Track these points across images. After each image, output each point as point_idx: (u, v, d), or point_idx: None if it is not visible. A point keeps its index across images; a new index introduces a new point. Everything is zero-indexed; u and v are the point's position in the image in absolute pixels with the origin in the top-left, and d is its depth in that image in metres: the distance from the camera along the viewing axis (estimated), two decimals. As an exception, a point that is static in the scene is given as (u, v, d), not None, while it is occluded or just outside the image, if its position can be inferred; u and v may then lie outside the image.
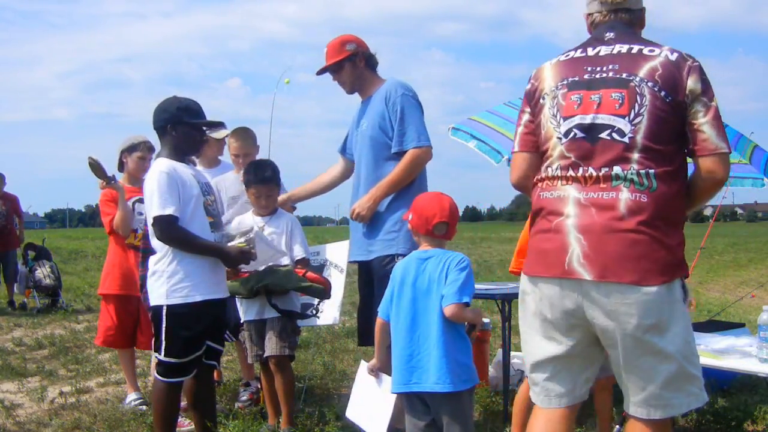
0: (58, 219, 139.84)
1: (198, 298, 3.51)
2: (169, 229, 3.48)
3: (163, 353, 3.53)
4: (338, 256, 4.74)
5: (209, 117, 3.82)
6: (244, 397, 4.96)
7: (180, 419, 4.31)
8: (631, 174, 2.38)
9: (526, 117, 2.71)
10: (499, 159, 5.25)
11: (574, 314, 2.45)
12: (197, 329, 3.55)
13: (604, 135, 2.45)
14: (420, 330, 2.99)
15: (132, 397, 4.94)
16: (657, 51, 2.51)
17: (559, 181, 2.51)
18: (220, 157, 5.16)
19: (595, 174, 2.43)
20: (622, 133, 2.42)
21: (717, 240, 31.17)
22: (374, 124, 4.04)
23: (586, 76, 2.55)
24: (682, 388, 2.41)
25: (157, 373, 3.59)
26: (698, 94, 2.42)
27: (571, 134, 2.50)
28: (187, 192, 3.56)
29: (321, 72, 4.19)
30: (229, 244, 3.75)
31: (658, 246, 2.36)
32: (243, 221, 4.28)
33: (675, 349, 2.37)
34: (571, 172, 2.48)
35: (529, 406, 3.78)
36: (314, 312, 4.29)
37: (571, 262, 2.40)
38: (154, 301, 3.57)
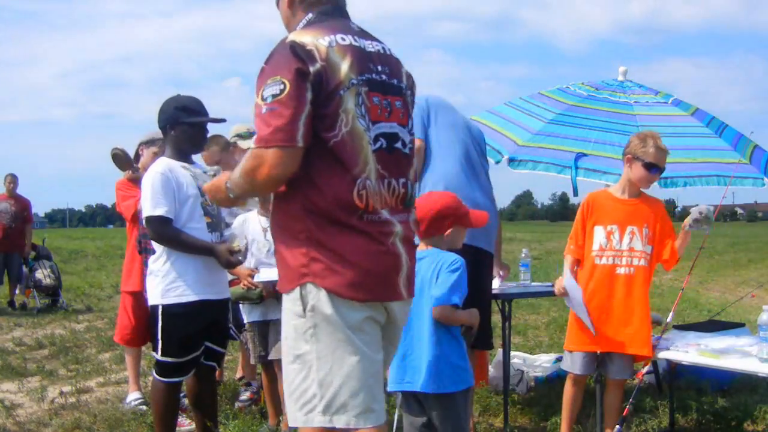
0: (58, 219, 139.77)
1: (192, 298, 3.51)
2: (160, 229, 3.49)
3: (160, 353, 3.54)
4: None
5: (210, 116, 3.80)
6: (244, 397, 4.96)
7: (181, 419, 4.32)
8: None
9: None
10: (499, 159, 5.26)
11: None
12: (193, 329, 3.55)
13: None
14: (413, 330, 2.99)
15: (133, 396, 4.95)
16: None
17: None
18: None
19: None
20: None
21: (717, 240, 31.15)
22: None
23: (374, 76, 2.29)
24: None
25: (156, 372, 3.60)
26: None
27: None
28: (182, 193, 3.55)
29: None
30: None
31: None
32: (247, 221, 4.28)
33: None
34: None
35: (576, 402, 3.86)
36: None
37: None
38: (151, 300, 3.59)
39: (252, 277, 4.03)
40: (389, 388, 3.10)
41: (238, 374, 5.39)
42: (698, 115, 5.26)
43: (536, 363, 5.70)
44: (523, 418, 4.63)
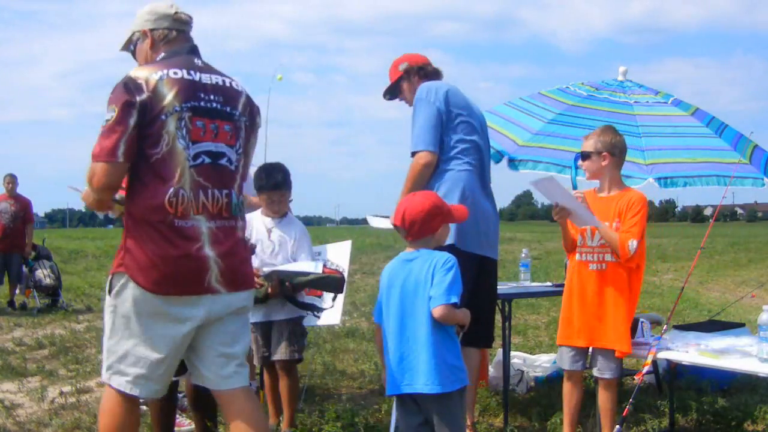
0: (58, 219, 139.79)
1: None
2: None
3: None
4: (339, 256, 4.74)
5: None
6: (244, 397, 4.96)
7: (181, 419, 4.32)
8: None
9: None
10: (499, 159, 5.26)
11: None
12: None
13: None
14: (409, 332, 2.98)
15: (132, 397, 4.94)
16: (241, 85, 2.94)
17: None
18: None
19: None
20: None
21: (717, 240, 31.17)
22: None
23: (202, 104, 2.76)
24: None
25: None
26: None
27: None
28: None
29: (387, 97, 4.37)
30: None
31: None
32: (249, 221, 4.28)
33: None
34: None
35: (571, 399, 3.85)
36: (317, 314, 4.30)
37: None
38: None
39: (256, 275, 4.03)
40: (388, 393, 3.08)
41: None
42: (698, 115, 5.26)
43: (536, 363, 5.70)
44: (523, 418, 4.63)
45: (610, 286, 3.79)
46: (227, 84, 2.86)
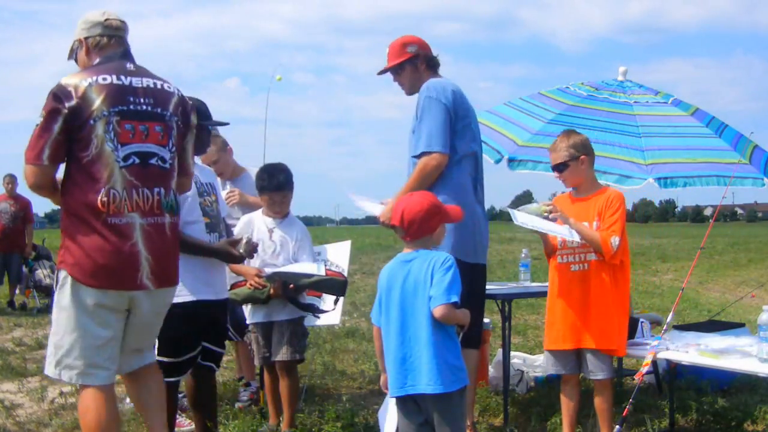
0: (58, 219, 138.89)
1: (189, 298, 3.51)
2: None
3: (156, 352, 3.54)
4: (339, 256, 4.74)
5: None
6: (244, 397, 4.97)
7: (181, 419, 4.32)
8: None
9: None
10: (499, 159, 5.26)
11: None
12: (189, 329, 3.55)
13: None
14: (410, 332, 2.98)
15: (132, 397, 4.95)
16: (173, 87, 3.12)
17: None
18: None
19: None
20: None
21: (717, 240, 31.16)
22: (411, 127, 3.98)
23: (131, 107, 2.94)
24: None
25: None
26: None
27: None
28: None
29: (382, 72, 4.13)
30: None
31: None
32: (251, 221, 4.29)
33: None
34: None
35: (568, 402, 3.88)
36: (317, 315, 4.30)
37: None
38: None
39: (259, 276, 4.04)
40: (391, 395, 3.07)
41: (237, 374, 5.39)
42: (698, 115, 5.26)
43: (536, 363, 5.70)
44: (523, 418, 4.63)
45: (594, 286, 3.77)
46: (158, 86, 3.04)
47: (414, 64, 4.06)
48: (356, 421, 4.27)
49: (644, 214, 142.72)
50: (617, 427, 3.75)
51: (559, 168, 3.88)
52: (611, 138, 5.05)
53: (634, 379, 4.24)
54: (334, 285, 4.06)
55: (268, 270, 4.06)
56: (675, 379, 4.75)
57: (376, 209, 3.88)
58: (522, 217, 3.80)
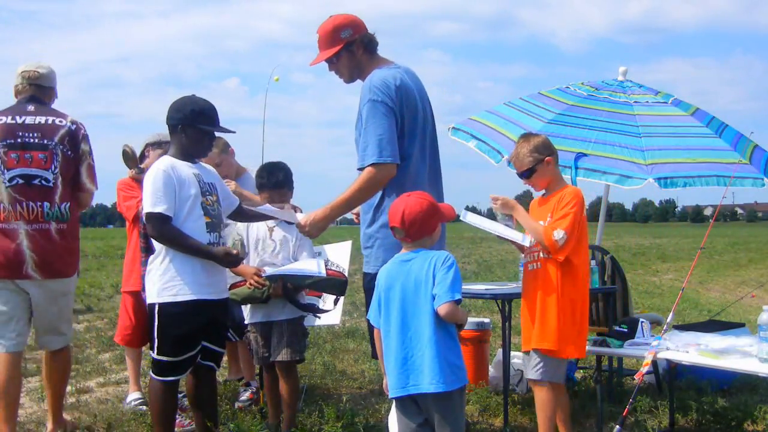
0: None
1: (188, 298, 3.51)
2: (159, 226, 3.50)
3: (155, 351, 3.55)
4: (340, 256, 4.73)
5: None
6: (244, 397, 4.96)
7: (180, 419, 4.32)
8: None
9: None
10: (499, 159, 5.25)
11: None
12: (188, 329, 3.54)
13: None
14: (412, 331, 2.97)
15: (133, 396, 4.94)
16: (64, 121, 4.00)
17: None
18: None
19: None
20: None
21: (717, 240, 31.18)
22: (355, 126, 3.56)
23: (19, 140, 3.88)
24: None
25: (152, 371, 3.60)
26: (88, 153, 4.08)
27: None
28: (184, 191, 3.55)
29: (315, 63, 3.67)
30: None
31: None
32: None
33: None
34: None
35: (555, 409, 3.73)
36: (317, 315, 4.30)
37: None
38: (148, 298, 3.61)
39: (259, 275, 4.03)
40: (392, 395, 3.06)
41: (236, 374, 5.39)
42: (698, 115, 5.26)
43: (536, 363, 5.68)
44: (523, 418, 4.63)
45: (540, 285, 3.75)
46: (49, 122, 3.96)
47: (350, 50, 3.57)
48: (356, 421, 4.27)
49: (644, 214, 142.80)
50: (617, 427, 3.75)
51: (525, 174, 3.83)
52: (611, 138, 5.05)
53: (634, 379, 4.24)
54: (335, 285, 4.05)
55: (268, 270, 4.06)
56: (675, 379, 4.75)
57: (296, 216, 3.71)
58: (472, 218, 3.75)
